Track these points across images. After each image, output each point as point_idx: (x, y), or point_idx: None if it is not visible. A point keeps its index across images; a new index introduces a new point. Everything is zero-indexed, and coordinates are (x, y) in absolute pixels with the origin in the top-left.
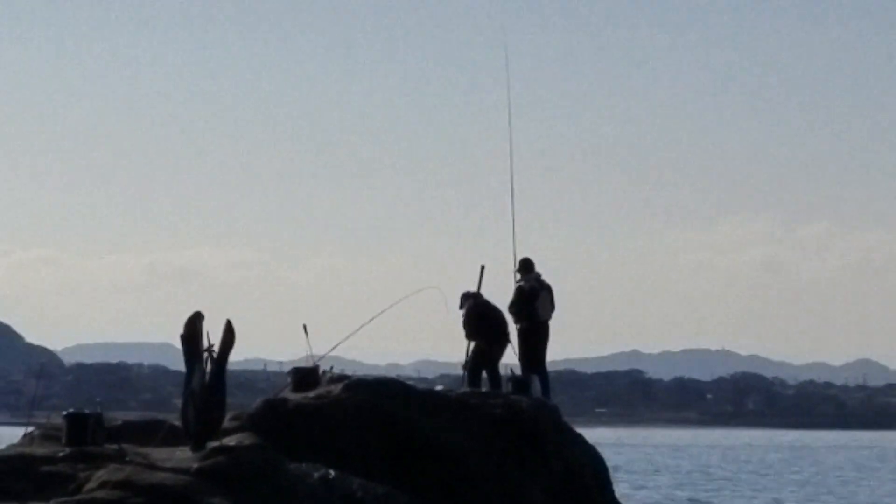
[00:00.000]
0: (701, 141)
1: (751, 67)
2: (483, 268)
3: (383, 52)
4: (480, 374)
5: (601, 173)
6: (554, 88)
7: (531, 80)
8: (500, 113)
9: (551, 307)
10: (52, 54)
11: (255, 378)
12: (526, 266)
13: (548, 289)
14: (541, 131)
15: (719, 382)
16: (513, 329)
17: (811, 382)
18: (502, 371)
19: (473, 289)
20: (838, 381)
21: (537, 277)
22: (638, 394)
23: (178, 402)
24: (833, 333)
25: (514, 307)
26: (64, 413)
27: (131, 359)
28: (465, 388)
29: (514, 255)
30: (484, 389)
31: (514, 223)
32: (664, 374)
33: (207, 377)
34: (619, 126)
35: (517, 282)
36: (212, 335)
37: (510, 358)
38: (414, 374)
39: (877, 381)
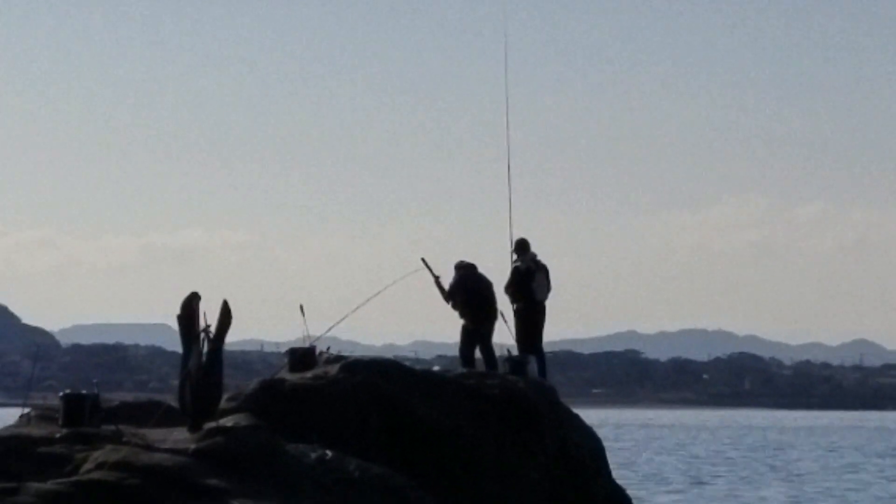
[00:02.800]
0: (696, 122)
1: (745, 49)
2: (423, 260)
3: (380, 33)
4: (472, 353)
5: (597, 155)
6: (550, 70)
7: (528, 63)
8: (497, 94)
9: (548, 287)
10: (47, 38)
11: (251, 359)
12: (522, 246)
13: (544, 269)
14: (538, 113)
15: (716, 363)
16: (508, 309)
17: (808, 363)
18: (500, 352)
19: (467, 262)
20: (835, 362)
21: (533, 258)
22: (635, 374)
23: (175, 382)
24: (829, 314)
25: (511, 288)
26: (61, 394)
27: (128, 340)
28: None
29: (511, 236)
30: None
31: (510, 204)
32: (661, 354)
33: (204, 358)
34: (615, 108)
35: (513, 262)
36: (208, 316)
37: (507, 339)
38: (411, 355)
39: (873, 362)
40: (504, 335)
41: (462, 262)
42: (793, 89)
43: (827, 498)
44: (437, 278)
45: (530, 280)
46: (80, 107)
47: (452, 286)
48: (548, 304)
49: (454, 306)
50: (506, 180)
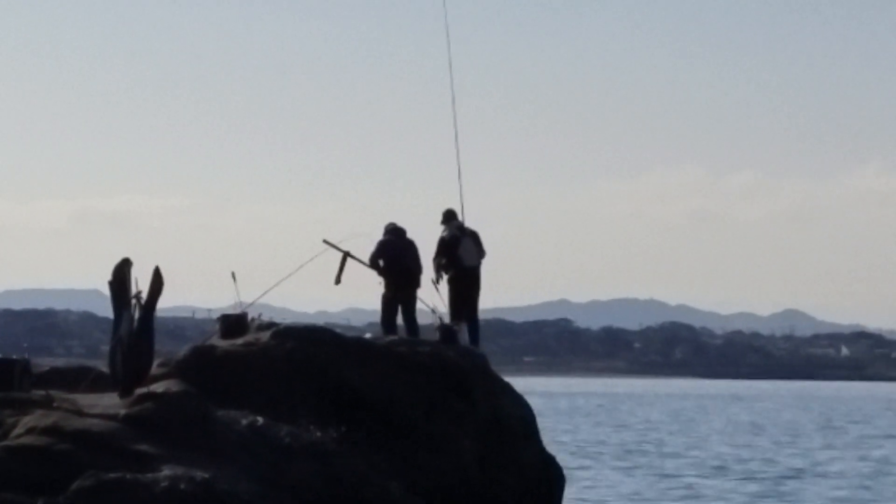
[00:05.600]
0: (628, 93)
1: (679, 20)
2: (326, 241)
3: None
4: (393, 321)
5: (532, 124)
6: (491, 43)
7: (471, 33)
8: (442, 65)
9: (478, 253)
10: None
11: (183, 325)
12: (447, 216)
13: (472, 234)
14: (479, 85)
15: (647, 332)
16: (443, 279)
17: (738, 332)
18: (433, 320)
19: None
20: (765, 332)
21: (459, 225)
22: (566, 343)
23: (107, 348)
24: (761, 284)
25: (438, 258)
26: None
27: (59, 305)
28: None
29: (462, 206)
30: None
31: (460, 175)
32: (592, 323)
33: (135, 324)
34: (549, 79)
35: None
36: (140, 282)
37: (441, 307)
38: (343, 322)
39: (804, 332)
40: (439, 304)
41: (392, 225)
42: (725, 60)
43: None
44: (346, 254)
45: (455, 247)
46: (14, 71)
47: (373, 252)
48: (482, 270)
49: (380, 273)
50: (445, 146)
